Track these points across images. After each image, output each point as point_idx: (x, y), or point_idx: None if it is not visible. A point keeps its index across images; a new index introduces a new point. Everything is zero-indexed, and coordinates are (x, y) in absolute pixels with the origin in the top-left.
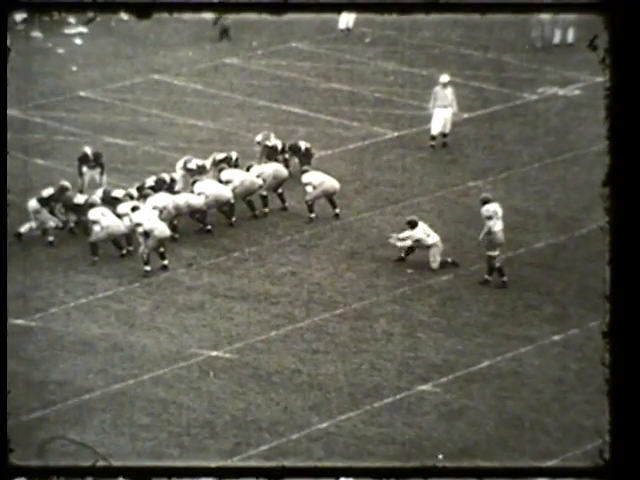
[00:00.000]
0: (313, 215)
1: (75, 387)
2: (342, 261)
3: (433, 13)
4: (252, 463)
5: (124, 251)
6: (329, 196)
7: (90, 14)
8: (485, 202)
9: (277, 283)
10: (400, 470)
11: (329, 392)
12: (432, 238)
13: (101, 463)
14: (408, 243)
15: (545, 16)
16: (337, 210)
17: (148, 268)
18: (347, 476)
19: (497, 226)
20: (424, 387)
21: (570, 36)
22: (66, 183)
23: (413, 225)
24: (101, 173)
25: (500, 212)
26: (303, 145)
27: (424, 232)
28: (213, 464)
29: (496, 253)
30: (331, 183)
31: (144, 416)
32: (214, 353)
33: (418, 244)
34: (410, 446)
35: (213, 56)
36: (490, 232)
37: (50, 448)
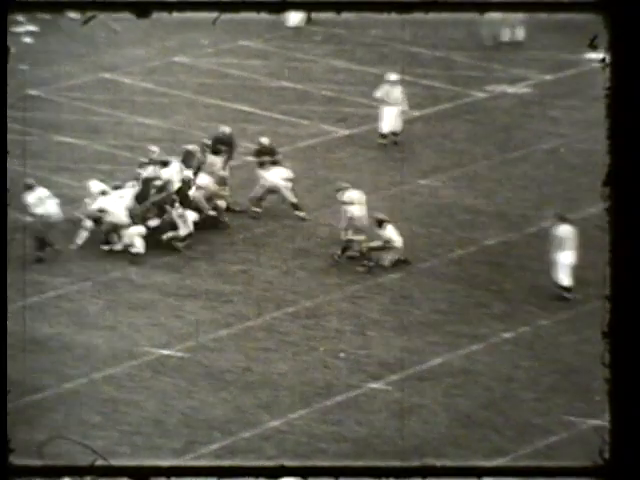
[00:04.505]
0: (259, 210)
1: (26, 386)
2: (293, 259)
3: (432, 12)
4: (203, 462)
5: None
6: (271, 192)
7: (89, 13)
8: (341, 190)
9: (228, 281)
10: (399, 469)
11: (280, 390)
12: (396, 242)
13: (100, 462)
14: (377, 244)
15: (495, 14)
16: (294, 200)
17: (106, 248)
18: (346, 475)
19: (358, 211)
20: (375, 385)
21: (519, 34)
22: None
23: (381, 223)
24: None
25: (363, 198)
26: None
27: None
28: (166, 463)
29: (361, 237)
30: (270, 180)
31: (95, 415)
32: (165, 352)
33: (388, 244)
34: (361, 444)
35: (163, 54)
36: (351, 217)
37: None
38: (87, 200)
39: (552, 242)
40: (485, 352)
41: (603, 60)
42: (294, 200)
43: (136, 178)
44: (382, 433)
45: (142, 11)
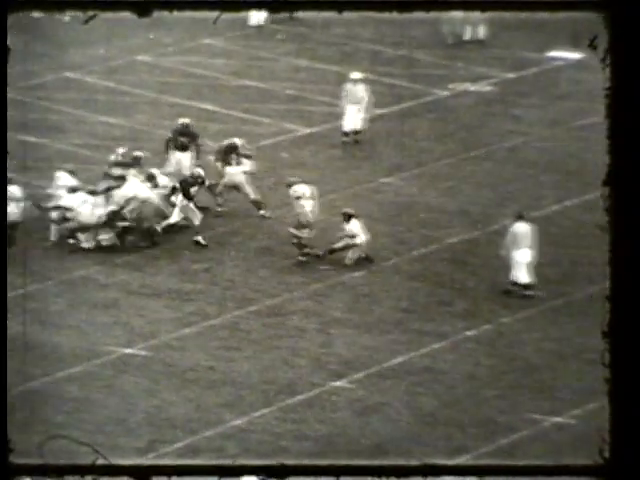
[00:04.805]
0: (220, 201)
1: None
2: (255, 258)
3: (433, 11)
4: (166, 461)
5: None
6: (231, 188)
7: (90, 12)
8: (291, 185)
9: (190, 280)
10: (400, 468)
11: (243, 389)
12: (360, 238)
13: (101, 461)
14: (343, 243)
15: (456, 12)
16: (252, 196)
17: (72, 241)
18: (347, 474)
19: (309, 206)
20: (338, 383)
21: (481, 32)
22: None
23: (348, 218)
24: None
25: (309, 192)
26: (239, 143)
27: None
28: (128, 462)
29: (304, 234)
30: (230, 177)
31: (57, 414)
32: (128, 351)
33: (351, 240)
34: (324, 442)
35: (125, 53)
36: (302, 212)
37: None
38: (57, 193)
39: (510, 240)
40: (448, 350)
41: (603, 60)
42: (254, 197)
43: (108, 189)
44: (345, 431)
45: (143, 10)
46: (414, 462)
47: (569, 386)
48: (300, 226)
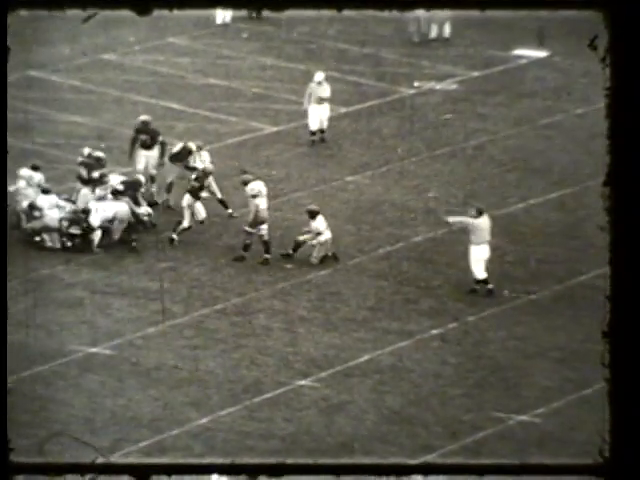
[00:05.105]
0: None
1: None
2: (221, 256)
3: (434, 9)
4: (131, 459)
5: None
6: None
7: (90, 11)
8: (246, 182)
9: (156, 279)
10: (401, 467)
11: (209, 388)
12: (325, 235)
13: (101, 460)
14: (308, 237)
15: (422, 11)
16: (219, 195)
17: (38, 238)
18: (347, 473)
19: (263, 203)
20: (303, 382)
21: (446, 31)
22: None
23: (313, 215)
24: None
25: (265, 190)
26: (193, 146)
27: (322, 225)
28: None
29: (262, 232)
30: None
31: (23, 413)
32: (93, 349)
33: (315, 237)
34: (290, 441)
35: (90, 52)
36: (257, 210)
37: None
38: (23, 192)
39: (468, 235)
40: (413, 348)
41: (603, 59)
42: (221, 196)
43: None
44: (310, 430)
45: (143, 8)
46: (413, 461)
47: (534, 385)
48: (254, 224)
